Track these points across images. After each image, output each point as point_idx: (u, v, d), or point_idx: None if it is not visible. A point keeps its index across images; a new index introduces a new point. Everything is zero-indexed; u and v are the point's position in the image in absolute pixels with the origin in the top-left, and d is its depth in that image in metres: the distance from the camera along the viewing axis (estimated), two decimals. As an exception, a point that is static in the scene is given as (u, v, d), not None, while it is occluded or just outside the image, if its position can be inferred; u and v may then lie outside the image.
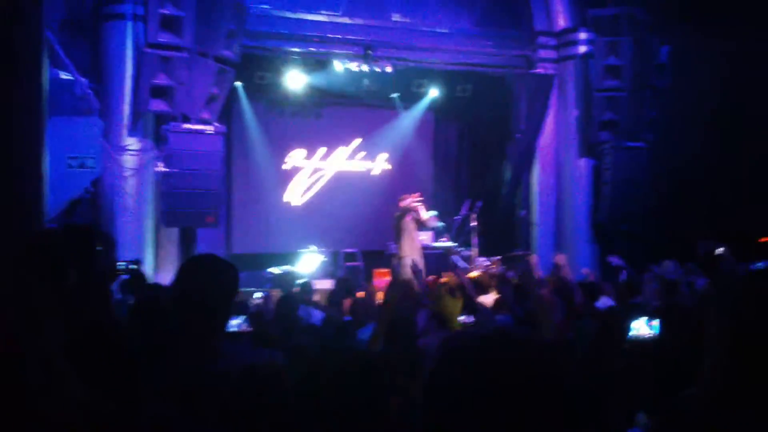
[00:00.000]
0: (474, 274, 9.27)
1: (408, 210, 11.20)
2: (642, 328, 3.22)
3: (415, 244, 11.27)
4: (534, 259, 9.27)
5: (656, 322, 3.08)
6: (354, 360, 1.88)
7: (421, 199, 11.39)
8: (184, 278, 2.59)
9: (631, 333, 3.24)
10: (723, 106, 12.18)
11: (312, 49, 12.05)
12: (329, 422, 1.74)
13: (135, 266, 7.65)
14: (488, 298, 6.62)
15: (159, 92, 10.01)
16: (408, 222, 11.21)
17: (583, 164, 12.95)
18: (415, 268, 10.66)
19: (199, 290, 2.50)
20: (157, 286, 7.11)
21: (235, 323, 5.67)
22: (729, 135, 12.29)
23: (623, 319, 3.31)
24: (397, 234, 11.27)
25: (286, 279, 10.91)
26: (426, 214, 11.36)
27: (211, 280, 2.52)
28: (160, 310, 4.45)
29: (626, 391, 2.74)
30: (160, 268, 10.13)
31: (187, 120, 10.31)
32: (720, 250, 9.76)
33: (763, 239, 12.72)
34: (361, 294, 8.69)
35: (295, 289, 8.85)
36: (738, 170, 12.35)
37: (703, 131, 12.29)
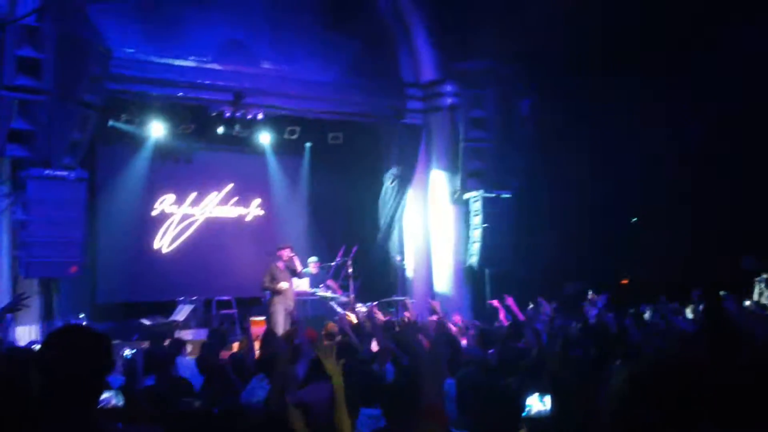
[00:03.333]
0: (352, 318, 9.30)
1: (281, 260, 11.32)
2: (535, 404, 3.27)
3: (288, 292, 11.32)
4: (409, 303, 9.43)
5: (548, 398, 3.14)
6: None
7: (292, 255, 11.48)
8: (49, 354, 2.42)
9: (527, 410, 3.26)
10: (581, 152, 13.00)
11: (180, 94, 11.82)
12: None
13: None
14: (374, 346, 6.65)
15: (17, 136, 9.46)
16: (281, 271, 11.31)
17: (453, 210, 13.39)
18: (293, 318, 10.63)
19: (66, 367, 2.32)
20: (13, 349, 6.57)
21: (107, 396, 5.35)
22: (590, 181, 13.11)
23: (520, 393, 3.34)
24: (269, 283, 11.30)
25: (158, 330, 10.48)
26: (300, 266, 11.51)
27: (78, 355, 2.34)
28: (17, 377, 4.15)
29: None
30: (19, 321, 9.47)
31: (47, 165, 9.80)
32: (589, 294, 10.36)
33: (624, 281, 13.62)
34: (236, 345, 8.48)
35: (166, 342, 8.50)
36: (603, 213, 13.18)
37: (567, 178, 13.06)
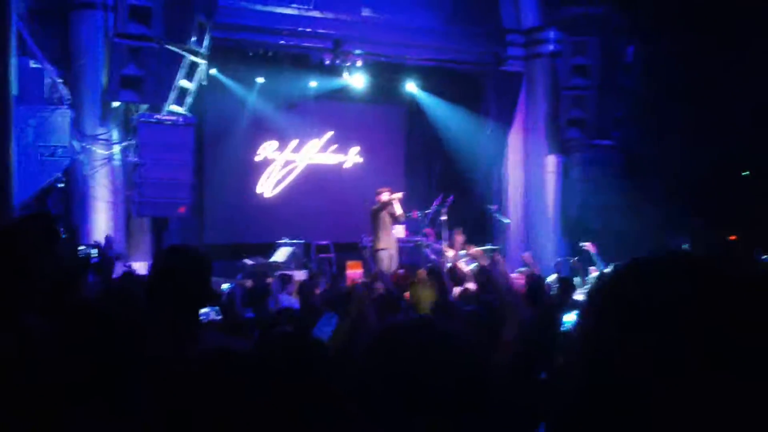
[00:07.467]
0: (451, 264, 9.43)
1: (385, 204, 11.37)
2: (574, 320, 3.37)
3: (390, 238, 11.47)
4: (498, 257, 9.42)
5: None
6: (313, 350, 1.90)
7: (398, 195, 11.52)
8: (158, 266, 2.67)
9: (565, 326, 3.34)
10: (690, 103, 12.45)
11: (282, 42, 12.06)
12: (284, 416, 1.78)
13: (96, 249, 7.65)
14: (458, 290, 6.80)
15: (129, 82, 9.97)
16: (384, 215, 11.41)
17: (552, 160, 13.16)
18: (387, 262, 10.81)
19: (173, 278, 2.57)
20: (128, 273, 7.15)
21: (206, 311, 5.73)
22: (696, 134, 12.57)
23: (557, 312, 3.44)
24: (373, 227, 11.45)
25: (259, 270, 10.96)
26: (400, 210, 11.54)
27: (185, 268, 2.59)
28: (130, 296, 4.52)
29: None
30: (132, 257, 10.14)
31: (157, 111, 10.32)
32: (685, 247, 10.01)
33: (733, 237, 13.03)
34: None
35: (269, 280, 8.90)
36: (705, 169, 12.63)
37: (672, 130, 12.55)
